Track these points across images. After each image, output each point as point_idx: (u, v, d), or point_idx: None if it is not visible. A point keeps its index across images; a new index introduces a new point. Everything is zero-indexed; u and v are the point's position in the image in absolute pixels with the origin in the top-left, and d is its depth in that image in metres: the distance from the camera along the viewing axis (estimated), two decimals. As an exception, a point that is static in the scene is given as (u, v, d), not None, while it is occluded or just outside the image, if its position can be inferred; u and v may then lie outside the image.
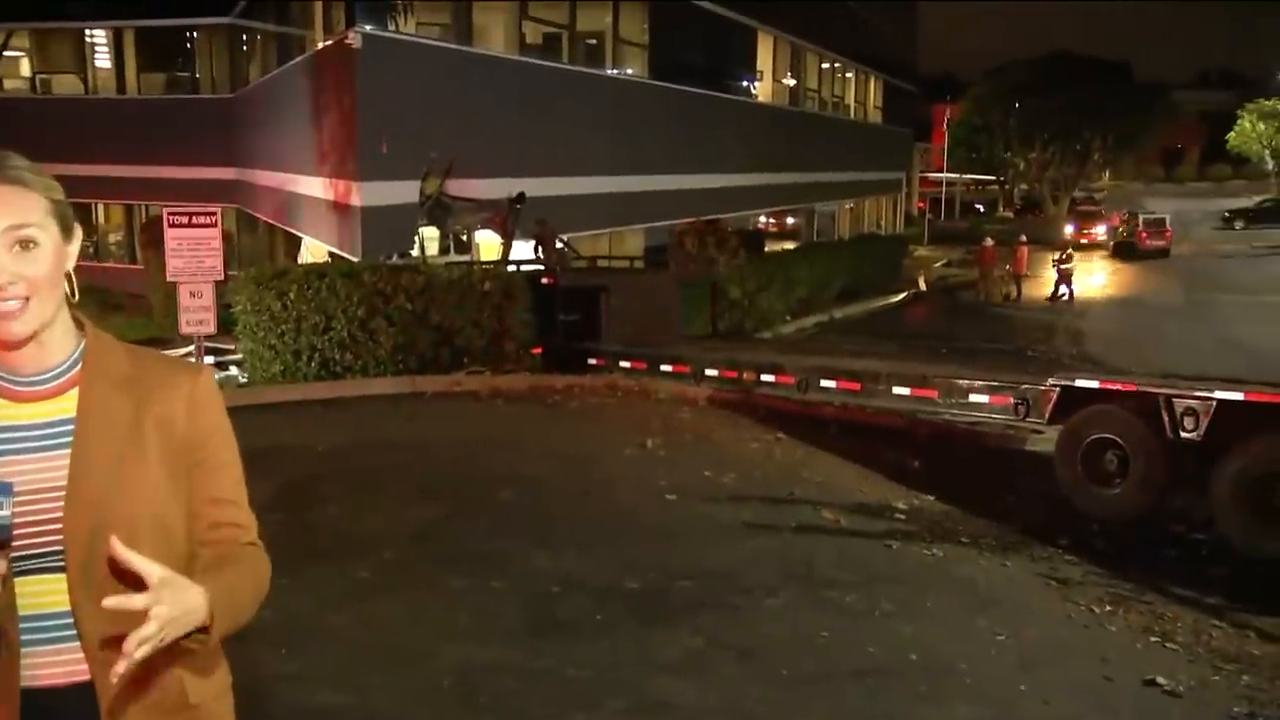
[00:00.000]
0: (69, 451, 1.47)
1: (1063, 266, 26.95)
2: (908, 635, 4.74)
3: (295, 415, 8.95)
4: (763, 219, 34.34)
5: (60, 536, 1.44)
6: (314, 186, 16.10)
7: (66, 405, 1.50)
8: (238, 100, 23.26)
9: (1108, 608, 5.28)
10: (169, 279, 10.95)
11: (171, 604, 1.35)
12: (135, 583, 1.37)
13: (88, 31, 24.93)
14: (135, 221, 24.72)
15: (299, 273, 10.75)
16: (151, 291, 18.25)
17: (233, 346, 12.00)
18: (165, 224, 10.78)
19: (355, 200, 14.10)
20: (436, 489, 6.80)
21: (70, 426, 1.48)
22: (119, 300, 19.04)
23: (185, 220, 10.78)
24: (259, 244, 22.74)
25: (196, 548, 1.55)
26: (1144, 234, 38.07)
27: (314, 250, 17.22)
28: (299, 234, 18.56)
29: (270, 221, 21.05)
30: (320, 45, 16.36)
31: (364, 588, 5.08)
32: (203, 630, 1.41)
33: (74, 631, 1.45)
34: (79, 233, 1.55)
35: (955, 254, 38.62)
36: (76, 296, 1.54)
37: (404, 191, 14.20)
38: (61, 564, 1.44)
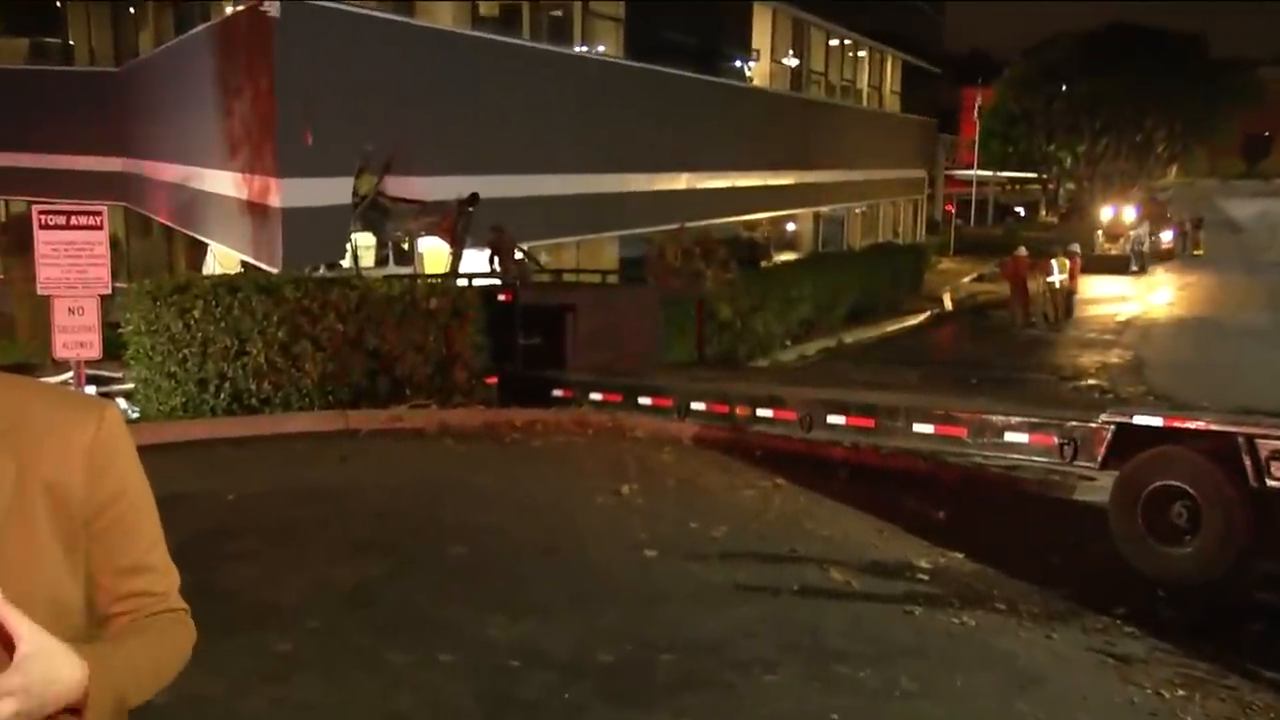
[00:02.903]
0: None
1: (1048, 279, 27.42)
2: (934, 719, 4.80)
3: (200, 457, 8.94)
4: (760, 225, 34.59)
5: None
6: (223, 183, 16.11)
7: None
8: (125, 76, 23.20)
9: (1180, 692, 5.29)
10: (40, 292, 10.83)
11: (33, 677, 1.28)
12: None
13: (-78, -15, 24.70)
14: (-9, 221, 24.54)
15: (205, 286, 10.76)
16: (15, 307, 18.11)
17: (121, 374, 11.95)
18: (36, 225, 10.64)
19: (274, 200, 14.12)
20: (373, 544, 6.83)
21: None
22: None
23: (62, 221, 10.64)
24: (154, 251, 22.66)
25: (100, 622, 1.50)
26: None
27: (223, 259, 17.21)
28: (204, 240, 18.53)
29: (168, 224, 20.99)
30: (229, 11, 16.43)
31: (284, 664, 5.09)
32: (73, 712, 1.34)
33: None
34: None
35: (987, 266, 39.04)
36: None
37: (333, 190, 14.24)
38: None
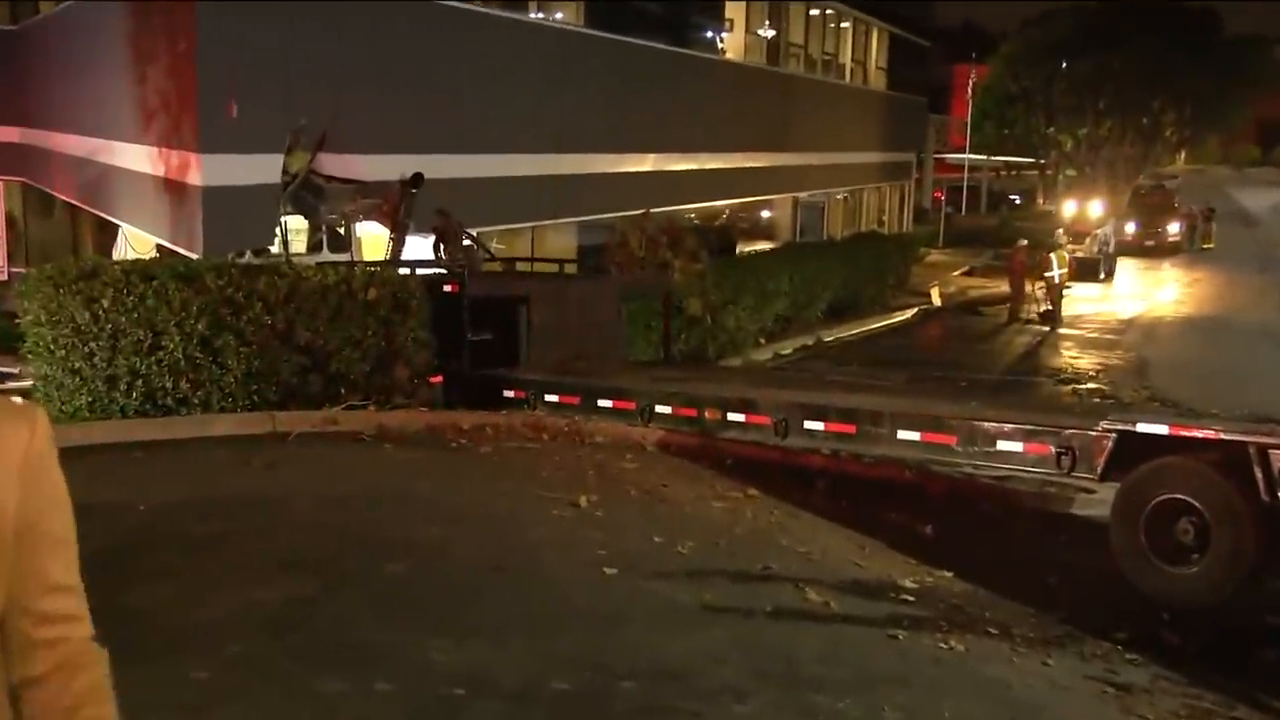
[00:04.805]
0: None
1: (1046, 274, 27.62)
2: (918, 751, 4.84)
3: (109, 463, 8.84)
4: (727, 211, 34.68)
5: None
6: (136, 157, 15.96)
7: None
8: (22, 35, 22.85)
9: (1185, 725, 5.37)
10: (-76, 277, 10.76)
11: None
12: None
13: None
14: None
15: (116, 273, 10.64)
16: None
17: (18, 370, 11.83)
18: (-80, 203, 10.58)
19: (195, 178, 14.01)
20: (302, 561, 6.78)
21: None
22: None
23: (-50, 198, 10.59)
24: (56, 232, 22.36)
25: (21, 647, 1.52)
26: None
27: (137, 243, 17.05)
28: (115, 221, 18.34)
29: (73, 202, 20.76)
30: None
31: (202, 694, 5.04)
32: None
33: None
34: None
35: (980, 259, 39.33)
36: None
37: (261, 168, 14.14)
38: None
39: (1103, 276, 35.07)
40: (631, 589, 6.61)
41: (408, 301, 11.31)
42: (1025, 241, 29.65)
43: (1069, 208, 40.09)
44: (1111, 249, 36.62)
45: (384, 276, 11.66)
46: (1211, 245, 42.82)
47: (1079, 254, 35.02)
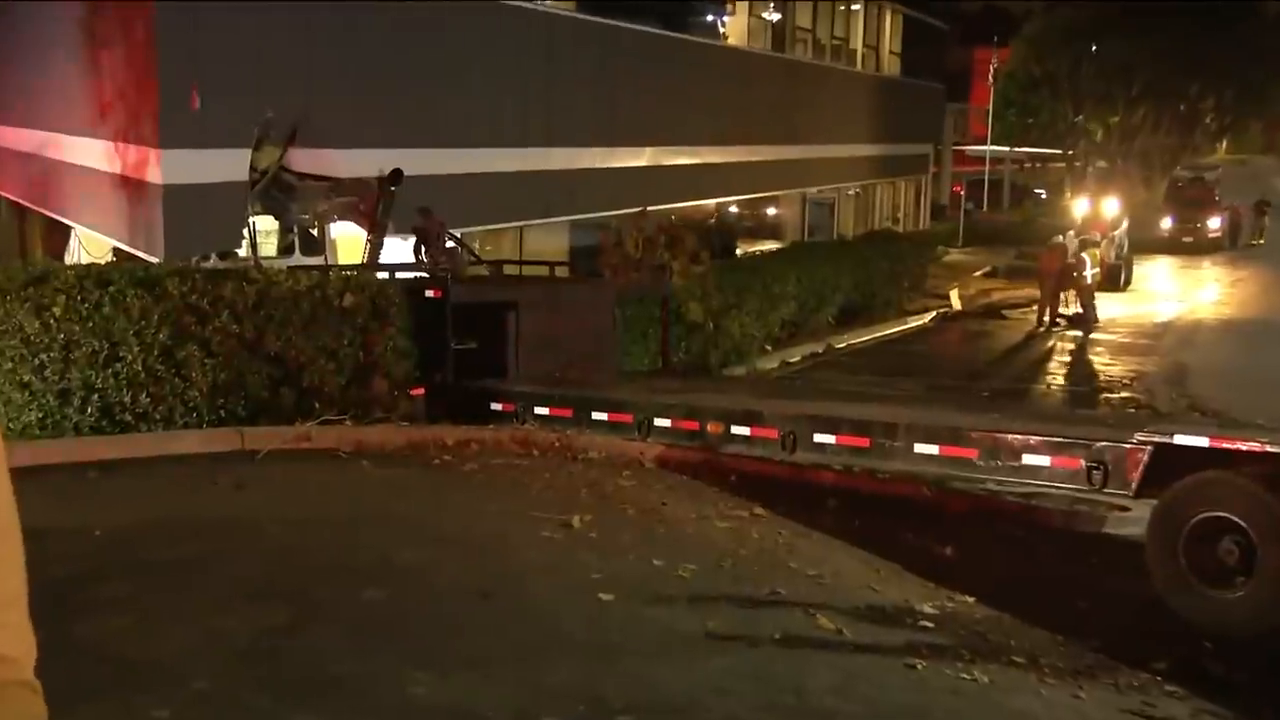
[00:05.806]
0: None
1: (1079, 274, 27.52)
2: (939, 790, 4.84)
3: (61, 484, 8.83)
4: (734, 209, 34.70)
5: None
6: (90, 153, 15.96)
7: None
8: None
9: (1228, 760, 5.37)
10: None
11: None
12: None
13: None
14: None
15: (69, 278, 10.64)
16: None
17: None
18: None
19: (154, 175, 14.01)
20: (273, 589, 6.78)
21: None
22: None
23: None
24: (2, 234, 22.38)
25: None
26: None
27: (91, 246, 17.04)
28: (67, 221, 18.34)
29: (20, 202, 20.78)
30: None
31: (165, 732, 5.04)
32: None
33: None
34: None
35: (1003, 259, 39.32)
36: None
37: (227, 164, 14.14)
38: None
39: (1124, 282, 33.91)
40: (629, 616, 6.61)
41: (387, 308, 11.33)
42: (1061, 238, 29.39)
43: (1080, 206, 39.11)
44: (1125, 251, 35.16)
45: (361, 281, 11.67)
46: (1261, 241, 42.76)
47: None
